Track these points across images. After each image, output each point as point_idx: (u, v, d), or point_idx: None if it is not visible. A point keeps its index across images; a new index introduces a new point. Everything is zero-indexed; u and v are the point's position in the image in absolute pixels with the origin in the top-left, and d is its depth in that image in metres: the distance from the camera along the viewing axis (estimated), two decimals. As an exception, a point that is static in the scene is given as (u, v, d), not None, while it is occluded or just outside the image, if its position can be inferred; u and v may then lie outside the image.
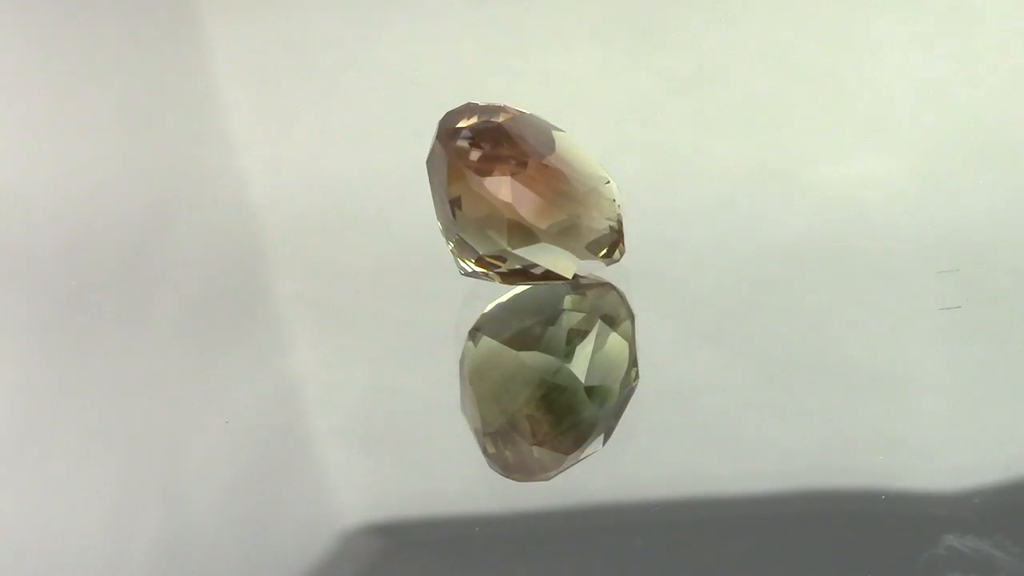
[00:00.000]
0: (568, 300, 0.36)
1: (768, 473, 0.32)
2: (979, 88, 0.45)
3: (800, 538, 0.30)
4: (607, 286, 0.36)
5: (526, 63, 0.48)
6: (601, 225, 0.35)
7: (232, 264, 0.40)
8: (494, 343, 0.35)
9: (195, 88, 0.47)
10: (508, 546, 0.30)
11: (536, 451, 0.32)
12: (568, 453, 0.31)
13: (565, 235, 0.35)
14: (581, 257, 0.35)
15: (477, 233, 0.35)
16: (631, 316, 0.35)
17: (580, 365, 0.34)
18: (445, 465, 0.33)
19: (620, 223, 0.35)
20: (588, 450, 0.32)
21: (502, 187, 0.35)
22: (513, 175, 0.35)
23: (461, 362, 0.35)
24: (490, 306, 0.36)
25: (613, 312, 0.36)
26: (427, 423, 0.34)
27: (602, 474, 0.31)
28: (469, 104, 0.36)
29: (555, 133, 0.35)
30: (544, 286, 0.36)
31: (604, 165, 0.35)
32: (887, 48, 0.48)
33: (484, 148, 0.35)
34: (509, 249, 0.35)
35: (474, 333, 0.35)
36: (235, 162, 0.44)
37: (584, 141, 0.36)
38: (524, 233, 0.35)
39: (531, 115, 0.36)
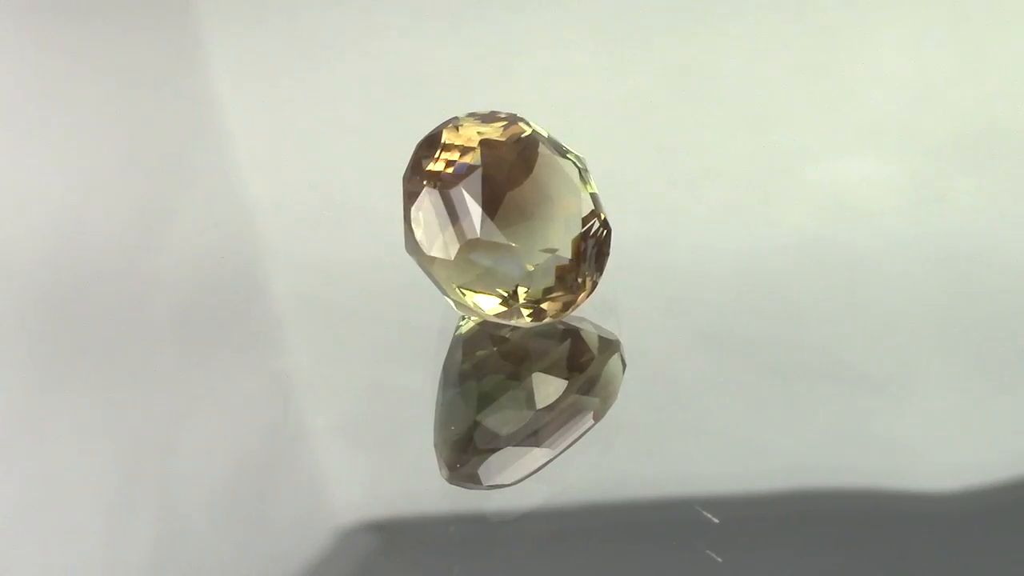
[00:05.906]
0: (548, 350, 0.34)
1: (765, 473, 0.31)
2: (978, 88, 0.44)
3: (797, 539, 0.30)
4: (608, 363, 0.34)
5: (525, 62, 0.48)
6: (506, 285, 0.32)
7: (227, 262, 0.40)
8: (459, 351, 0.34)
9: (193, 87, 0.47)
10: (502, 545, 0.31)
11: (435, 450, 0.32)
12: (451, 468, 0.31)
13: (458, 271, 0.32)
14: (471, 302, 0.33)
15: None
16: (603, 395, 0.33)
17: (483, 406, 0.32)
18: (439, 463, 0.32)
19: (533, 297, 0.32)
20: (470, 484, 0.31)
21: (412, 199, 0.32)
22: (422, 193, 0.32)
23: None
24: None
25: (585, 379, 0.33)
26: (421, 420, 0.33)
27: (599, 474, 0.32)
28: (494, 112, 0.33)
29: (546, 177, 0.31)
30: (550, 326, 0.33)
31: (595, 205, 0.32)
32: (886, 47, 0.47)
33: (432, 157, 0.32)
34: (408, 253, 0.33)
35: (455, 337, 0.34)
36: (231, 160, 0.44)
37: (583, 140, 0.34)
38: (416, 248, 0.33)
39: (546, 154, 0.31)
